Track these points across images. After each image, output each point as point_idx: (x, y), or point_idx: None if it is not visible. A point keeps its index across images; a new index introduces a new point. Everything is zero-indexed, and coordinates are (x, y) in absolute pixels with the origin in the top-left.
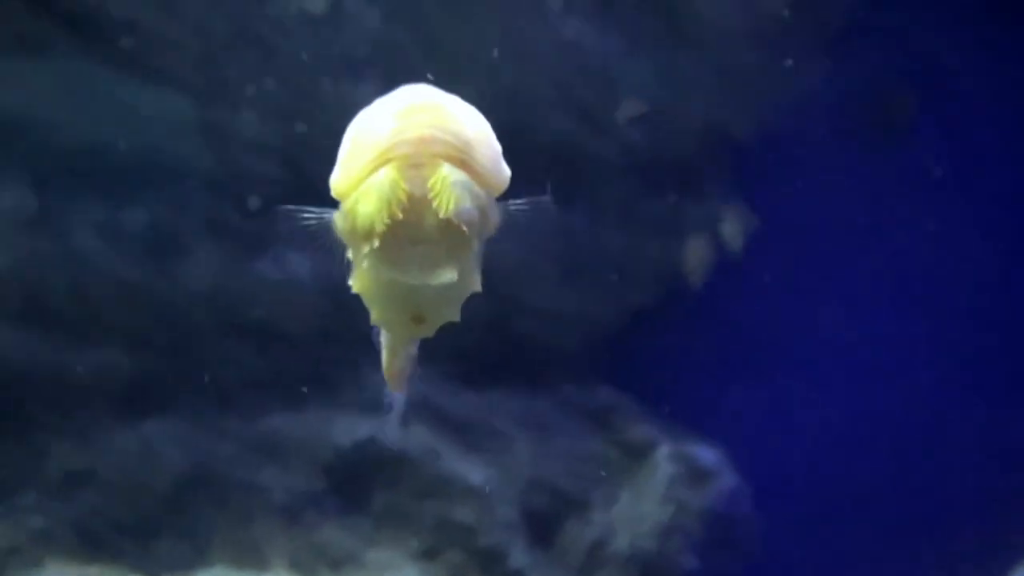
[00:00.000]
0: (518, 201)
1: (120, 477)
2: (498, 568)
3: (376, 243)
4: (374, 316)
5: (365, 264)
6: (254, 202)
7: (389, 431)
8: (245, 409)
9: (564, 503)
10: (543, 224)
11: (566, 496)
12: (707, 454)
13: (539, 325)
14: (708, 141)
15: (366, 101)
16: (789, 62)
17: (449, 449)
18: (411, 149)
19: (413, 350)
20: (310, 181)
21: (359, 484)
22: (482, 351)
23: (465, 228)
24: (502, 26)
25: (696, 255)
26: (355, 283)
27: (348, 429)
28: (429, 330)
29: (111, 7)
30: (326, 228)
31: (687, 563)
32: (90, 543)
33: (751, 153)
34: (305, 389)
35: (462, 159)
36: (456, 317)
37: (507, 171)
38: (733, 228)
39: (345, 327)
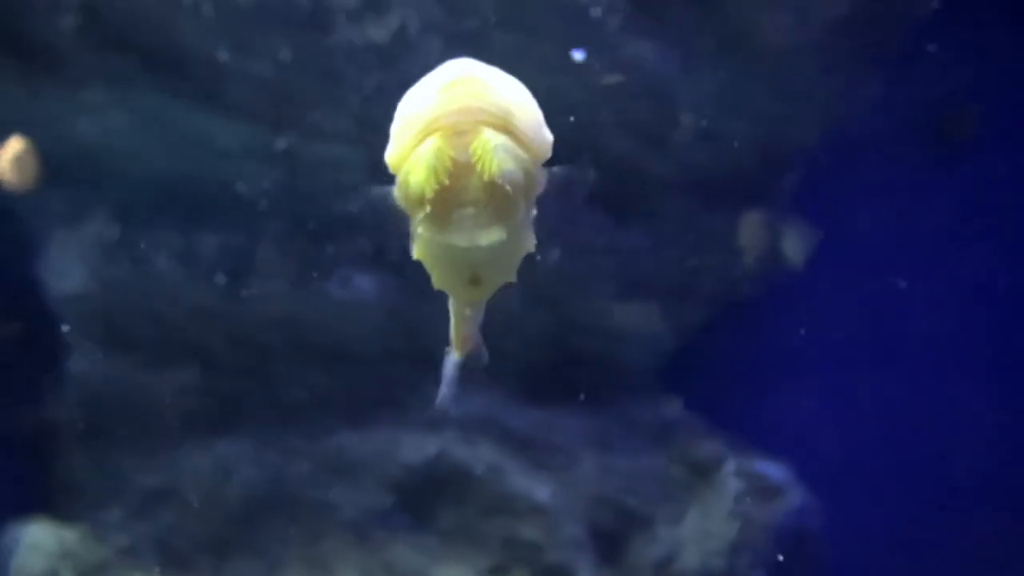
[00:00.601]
0: (559, 168)
1: (197, 496)
2: None
3: (428, 208)
4: (435, 281)
5: (420, 230)
6: (321, 226)
7: (446, 397)
8: (314, 428)
9: (630, 520)
10: (582, 187)
11: (632, 513)
12: (774, 470)
13: (601, 342)
14: (767, 157)
15: None
16: (849, 76)
17: (514, 466)
18: (454, 118)
19: (479, 316)
20: (381, 207)
21: (426, 501)
22: (545, 368)
23: (509, 188)
24: (561, 47)
25: (753, 239)
26: (416, 251)
27: (415, 447)
28: (487, 292)
29: (187, 42)
30: (390, 201)
31: None
32: (170, 559)
33: (811, 168)
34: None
35: (504, 125)
36: (512, 278)
37: (549, 136)
38: (793, 243)
39: (410, 346)
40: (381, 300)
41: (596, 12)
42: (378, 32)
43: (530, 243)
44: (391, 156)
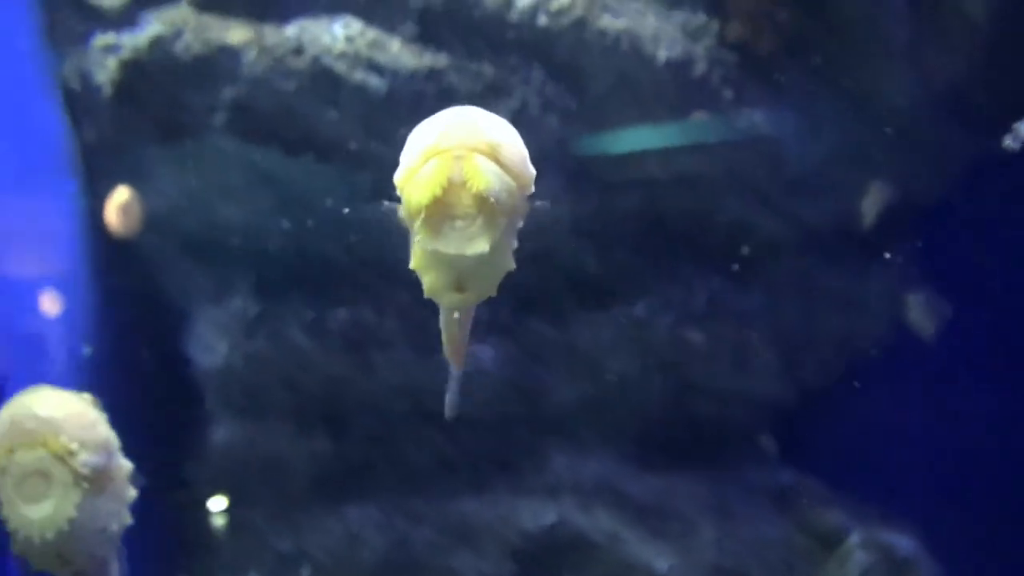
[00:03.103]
0: (540, 202)
1: (327, 560)
2: None
3: (422, 216)
4: (426, 288)
5: (417, 238)
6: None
7: (450, 402)
8: (437, 493)
9: None
10: (558, 215)
11: None
12: (903, 542)
13: (718, 406)
14: (891, 218)
15: (544, 198)
16: (975, 132)
17: (633, 534)
18: (451, 144)
19: (466, 328)
20: None
21: (546, 569)
22: (661, 433)
23: (494, 202)
24: (677, 118)
25: (918, 311)
26: (413, 260)
27: (534, 514)
28: (471, 300)
29: (323, 131)
30: (396, 216)
31: None
32: None
33: (937, 230)
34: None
35: (493, 154)
36: (493, 292)
37: (532, 171)
38: (920, 309)
39: (528, 413)
40: (500, 368)
41: (710, 81)
42: (500, 113)
43: (510, 263)
44: (399, 177)
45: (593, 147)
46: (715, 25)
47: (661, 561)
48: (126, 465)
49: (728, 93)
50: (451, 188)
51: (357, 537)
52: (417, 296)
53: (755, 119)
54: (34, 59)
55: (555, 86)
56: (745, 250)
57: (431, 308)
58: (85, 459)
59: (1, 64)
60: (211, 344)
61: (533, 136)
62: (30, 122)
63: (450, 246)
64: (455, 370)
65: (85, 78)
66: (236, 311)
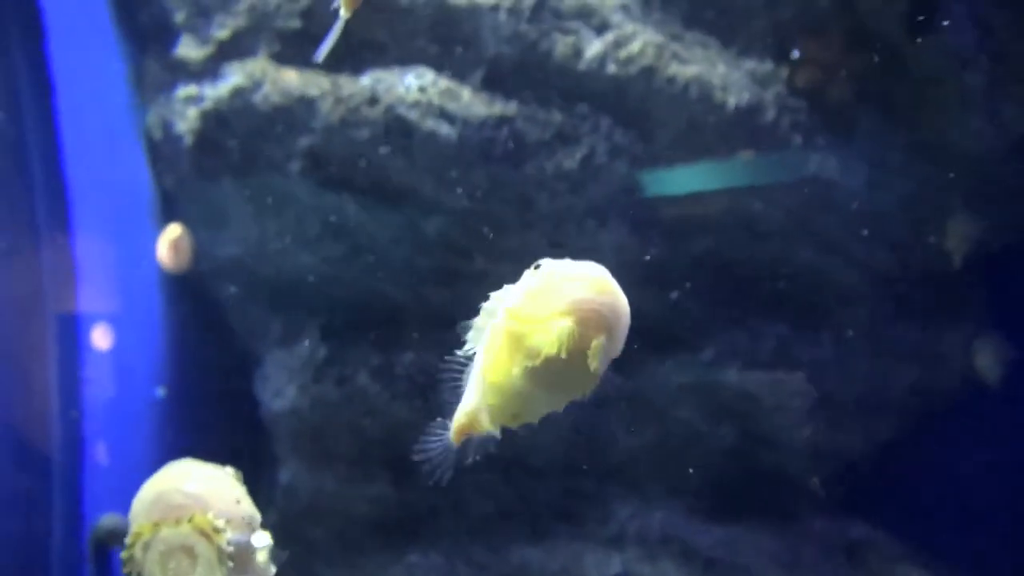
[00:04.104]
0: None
1: None
2: None
3: (536, 363)
4: (492, 409)
5: (515, 372)
6: None
7: (442, 470)
8: (500, 541)
9: None
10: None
11: None
12: None
13: (785, 457)
14: (962, 266)
15: (611, 245)
16: None
17: None
18: (592, 317)
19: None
20: None
21: None
22: (727, 484)
23: (596, 377)
24: (741, 165)
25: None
26: (491, 376)
27: (598, 563)
28: (518, 424)
29: (393, 178)
30: (482, 336)
31: None
32: None
33: (1008, 274)
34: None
35: (612, 334)
36: (535, 420)
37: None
38: (989, 358)
39: (591, 460)
40: (565, 415)
41: (779, 127)
42: (568, 161)
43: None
44: (522, 311)
45: (661, 193)
46: (784, 72)
47: None
48: (266, 541)
49: (797, 139)
50: (571, 350)
51: None
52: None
53: (825, 166)
54: (124, 111)
55: (624, 133)
56: (815, 298)
57: None
58: (231, 537)
59: (94, 115)
60: (279, 387)
61: (601, 183)
62: (118, 170)
63: (543, 392)
64: (455, 442)
65: (167, 128)
66: (304, 355)
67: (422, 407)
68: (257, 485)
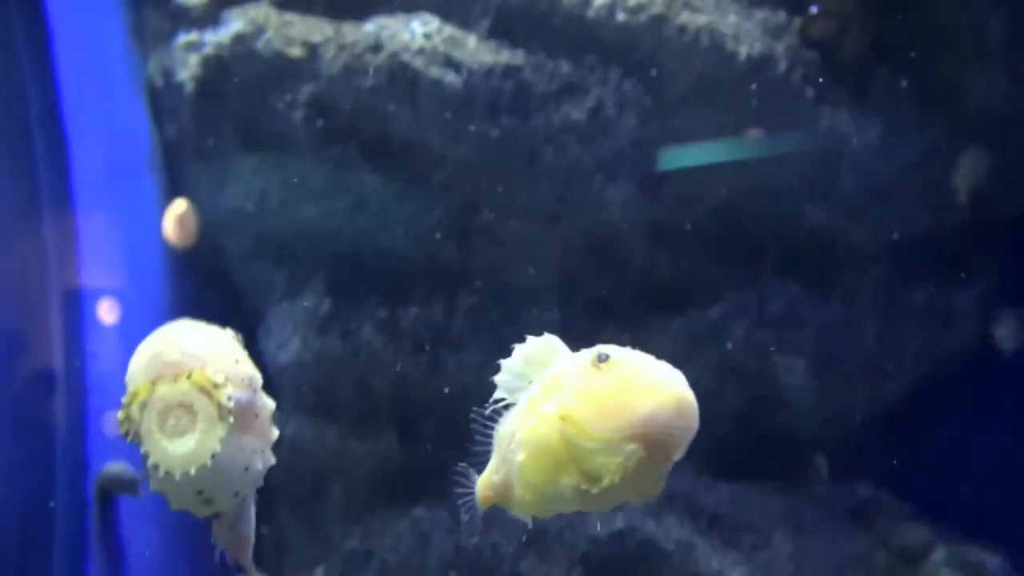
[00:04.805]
0: None
1: (395, 561)
2: None
3: (593, 489)
4: (526, 504)
5: (564, 483)
6: (513, 300)
7: (467, 535)
8: None
9: None
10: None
11: None
12: (991, 559)
13: (793, 417)
14: (977, 230)
15: (619, 200)
16: None
17: (704, 544)
18: (665, 443)
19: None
20: (568, 280)
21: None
22: (735, 443)
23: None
24: (754, 118)
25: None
26: (532, 475)
27: (603, 520)
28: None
29: (399, 130)
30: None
31: None
32: None
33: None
34: None
35: (680, 453)
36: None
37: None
38: (1010, 329)
39: None
40: None
41: (791, 80)
42: (576, 112)
43: None
44: (584, 419)
45: (671, 149)
46: (797, 23)
47: (733, 571)
48: (269, 404)
49: (809, 92)
50: (633, 478)
51: (425, 539)
52: (486, 298)
53: (838, 120)
54: (123, 60)
55: (633, 85)
56: (825, 258)
57: (501, 310)
58: (230, 392)
59: (92, 65)
60: (283, 340)
61: (610, 136)
62: (118, 121)
63: (599, 505)
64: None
65: (168, 76)
66: (309, 308)
67: (428, 363)
68: None
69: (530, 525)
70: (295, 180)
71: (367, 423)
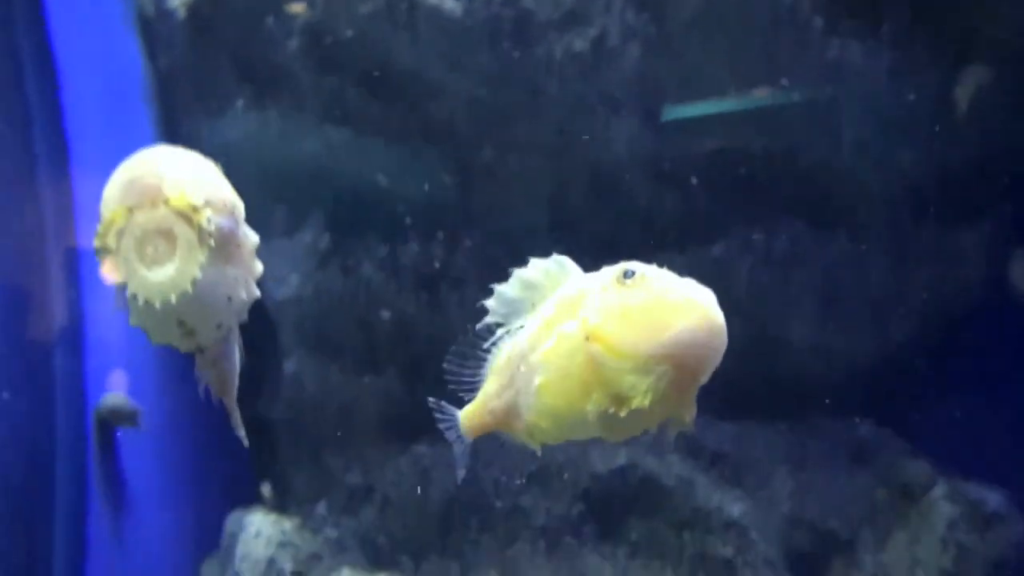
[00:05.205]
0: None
1: (397, 496)
2: None
3: (621, 412)
4: (540, 431)
5: (588, 408)
6: (515, 237)
7: (460, 467)
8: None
9: (829, 542)
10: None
11: (831, 535)
12: (992, 496)
13: (797, 357)
14: (987, 166)
15: (623, 136)
16: None
17: (705, 480)
18: (695, 363)
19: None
20: (570, 217)
21: (615, 512)
22: (738, 382)
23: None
24: (760, 50)
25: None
26: (553, 399)
27: (605, 456)
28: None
29: (396, 61)
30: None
31: None
32: (372, 555)
33: None
34: None
35: (708, 373)
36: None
37: None
38: (1020, 268)
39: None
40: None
41: (800, 14)
42: (579, 42)
43: None
44: (612, 337)
45: (675, 81)
46: None
47: (734, 507)
48: (253, 237)
49: (819, 22)
50: (659, 400)
51: (427, 475)
52: (487, 235)
53: (847, 52)
54: None
55: (637, 14)
56: (831, 195)
57: (502, 246)
58: (210, 216)
59: None
60: (282, 275)
61: (613, 68)
62: (111, 54)
63: (623, 431)
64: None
65: (160, 3)
66: (308, 244)
67: (428, 300)
68: (264, 374)
69: (539, 454)
70: (292, 112)
71: (368, 359)
